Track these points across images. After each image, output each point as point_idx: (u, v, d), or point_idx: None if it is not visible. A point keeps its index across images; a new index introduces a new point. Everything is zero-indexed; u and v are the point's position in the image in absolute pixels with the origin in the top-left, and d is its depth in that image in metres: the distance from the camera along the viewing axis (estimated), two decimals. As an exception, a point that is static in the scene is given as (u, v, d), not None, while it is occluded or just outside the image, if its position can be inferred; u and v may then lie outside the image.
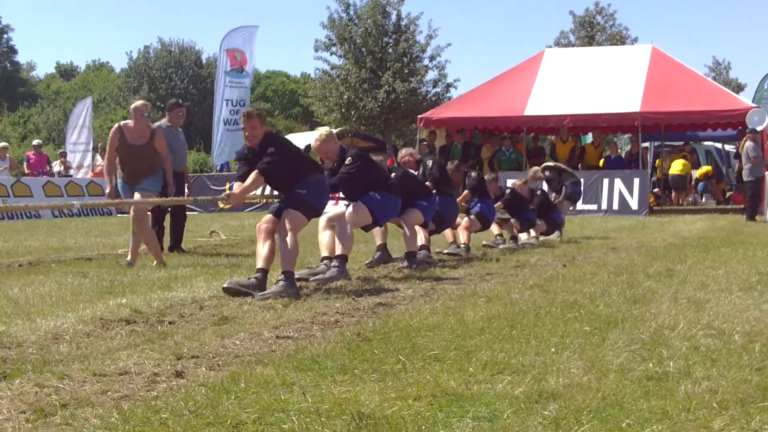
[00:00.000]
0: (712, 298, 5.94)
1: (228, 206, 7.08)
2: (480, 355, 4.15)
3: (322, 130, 7.98)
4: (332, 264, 7.32)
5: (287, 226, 6.65)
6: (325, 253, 7.55)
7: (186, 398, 3.42)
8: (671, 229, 14.00)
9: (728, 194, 25.03)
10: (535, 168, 13.64)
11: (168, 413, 3.23)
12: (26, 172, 22.49)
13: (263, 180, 6.92)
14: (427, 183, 9.30)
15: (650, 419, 3.15)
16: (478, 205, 10.58)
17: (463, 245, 9.96)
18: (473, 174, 10.97)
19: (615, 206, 18.93)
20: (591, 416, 3.17)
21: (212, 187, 22.86)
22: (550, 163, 14.21)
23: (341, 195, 8.36)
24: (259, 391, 3.52)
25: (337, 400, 3.37)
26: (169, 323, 5.24)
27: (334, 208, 8.31)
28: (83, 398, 3.45)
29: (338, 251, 7.39)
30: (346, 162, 7.70)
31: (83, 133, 26.41)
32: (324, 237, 7.60)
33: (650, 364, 3.95)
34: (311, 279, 7.12)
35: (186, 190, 11.03)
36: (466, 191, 10.58)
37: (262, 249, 6.70)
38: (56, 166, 24.39)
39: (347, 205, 7.89)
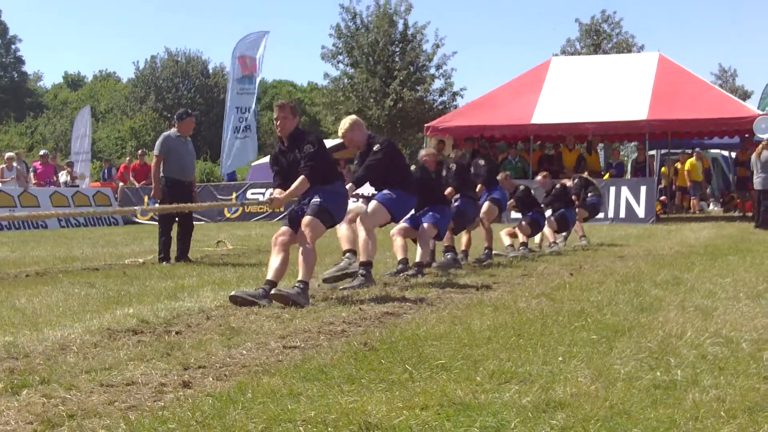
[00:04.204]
0: (719, 306, 5.92)
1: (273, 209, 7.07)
2: (487, 364, 4.14)
3: (348, 119, 7.79)
4: (359, 271, 7.34)
5: (308, 236, 6.70)
6: (346, 245, 7.45)
7: (193, 408, 3.42)
8: (678, 237, 13.97)
9: (735, 196, 24.89)
10: (566, 180, 13.77)
11: (175, 423, 3.23)
12: (33, 182, 22.57)
13: (309, 185, 6.87)
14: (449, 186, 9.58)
15: (658, 428, 3.14)
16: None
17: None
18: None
19: (622, 214, 18.90)
20: (599, 425, 3.16)
21: (219, 197, 22.85)
22: (583, 174, 14.37)
23: (359, 192, 8.18)
24: (266, 401, 3.52)
25: (344, 409, 3.37)
26: (176, 333, 5.24)
27: (352, 204, 8.12)
28: (90, 409, 3.45)
29: (363, 257, 7.37)
30: (374, 149, 7.62)
31: (84, 142, 26.48)
32: (342, 230, 7.46)
33: (658, 373, 3.94)
34: (341, 288, 7.14)
35: (193, 201, 11.04)
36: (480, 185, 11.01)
37: (275, 261, 6.70)
38: (63, 176, 24.47)
39: (366, 202, 7.82)
